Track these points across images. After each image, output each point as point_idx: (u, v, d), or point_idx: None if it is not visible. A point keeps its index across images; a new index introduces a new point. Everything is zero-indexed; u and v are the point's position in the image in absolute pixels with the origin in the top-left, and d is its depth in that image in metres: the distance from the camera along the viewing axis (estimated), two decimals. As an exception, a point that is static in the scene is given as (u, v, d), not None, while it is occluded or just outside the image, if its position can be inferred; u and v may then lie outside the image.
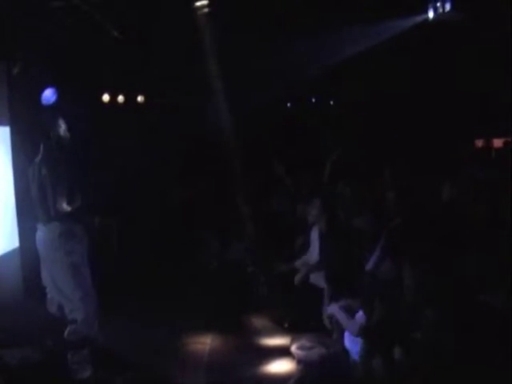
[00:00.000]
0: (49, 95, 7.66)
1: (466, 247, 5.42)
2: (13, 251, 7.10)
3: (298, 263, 7.37)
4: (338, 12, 9.25)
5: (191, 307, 7.57)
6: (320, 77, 11.99)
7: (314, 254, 7.09)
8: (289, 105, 14.70)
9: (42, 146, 5.49)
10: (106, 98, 9.62)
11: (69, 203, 5.26)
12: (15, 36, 6.75)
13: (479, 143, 12.21)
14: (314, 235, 7.15)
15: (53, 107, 7.23)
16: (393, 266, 5.53)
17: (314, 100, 14.93)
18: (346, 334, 5.68)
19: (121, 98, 9.90)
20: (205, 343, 6.74)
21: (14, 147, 7.17)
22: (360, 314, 5.30)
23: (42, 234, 5.49)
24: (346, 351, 5.57)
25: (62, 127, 5.54)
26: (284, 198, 9.14)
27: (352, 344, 5.50)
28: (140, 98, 10.39)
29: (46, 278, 5.57)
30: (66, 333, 5.47)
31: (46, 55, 7.40)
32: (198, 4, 8.06)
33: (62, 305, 5.51)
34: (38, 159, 5.48)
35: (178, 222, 9.87)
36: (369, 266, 5.65)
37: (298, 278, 6.99)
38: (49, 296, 5.67)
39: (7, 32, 6.56)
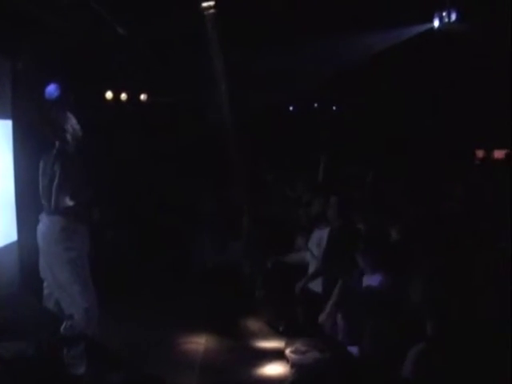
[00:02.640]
0: (52, 91, 7.68)
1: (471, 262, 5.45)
2: (10, 245, 7.09)
3: (292, 256, 7.39)
4: (345, 19, 9.26)
5: (187, 307, 7.56)
6: (324, 83, 12.01)
7: (314, 256, 7.09)
8: (291, 108, 14.71)
9: (57, 142, 5.49)
10: (109, 95, 9.62)
11: (73, 199, 5.28)
12: (19, 31, 6.75)
13: (480, 154, 12.22)
14: (316, 237, 7.15)
15: (63, 103, 7.25)
16: (388, 280, 5.56)
17: (316, 105, 14.95)
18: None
19: (124, 96, 9.89)
20: (199, 344, 6.75)
21: (15, 141, 7.16)
22: None
23: (43, 226, 5.49)
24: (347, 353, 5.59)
25: (74, 122, 5.56)
26: (281, 200, 9.17)
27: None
28: (143, 97, 10.39)
29: (45, 271, 5.57)
30: (61, 328, 5.47)
31: (50, 51, 7.40)
32: (205, 4, 8.07)
33: (60, 300, 5.52)
34: (51, 153, 5.49)
35: (174, 222, 9.86)
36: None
37: (298, 287, 6.99)
38: (46, 291, 5.68)
39: (11, 27, 6.56)
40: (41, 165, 5.54)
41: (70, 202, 5.31)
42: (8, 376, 5.16)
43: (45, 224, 5.48)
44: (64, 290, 5.43)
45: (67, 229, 5.40)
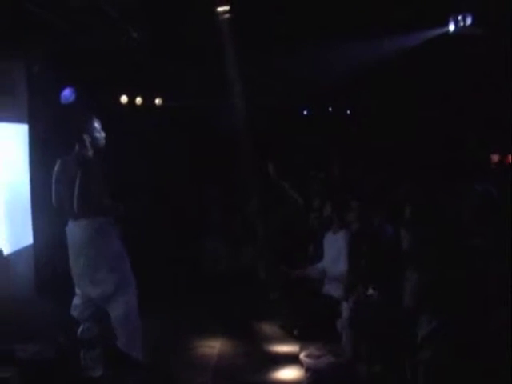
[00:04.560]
0: (67, 95, 7.73)
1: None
2: (26, 248, 7.13)
3: (310, 270, 7.37)
4: (360, 23, 9.24)
5: (202, 311, 7.58)
6: (338, 86, 11.99)
7: (329, 261, 7.07)
8: (305, 112, 14.68)
9: (76, 146, 5.52)
10: (124, 99, 9.65)
11: (96, 202, 5.34)
12: (34, 35, 6.79)
13: (495, 158, 12.14)
14: (329, 241, 7.14)
15: (82, 107, 7.29)
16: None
17: (330, 109, 14.92)
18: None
19: (139, 100, 9.93)
20: (214, 347, 6.75)
21: (31, 145, 7.21)
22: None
23: (73, 233, 5.48)
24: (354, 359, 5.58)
25: (97, 128, 5.58)
26: (292, 204, 9.15)
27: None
28: (158, 101, 10.41)
29: (80, 275, 5.54)
30: (79, 331, 5.50)
31: (65, 55, 7.45)
32: (220, 9, 8.09)
33: (90, 307, 5.53)
34: (71, 157, 5.51)
35: (188, 227, 9.86)
36: None
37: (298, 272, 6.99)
38: (77, 301, 5.66)
39: (26, 32, 6.60)
40: (57, 168, 5.55)
41: (93, 206, 5.34)
42: (25, 378, 5.19)
43: (76, 229, 5.47)
44: (103, 290, 5.44)
45: (101, 228, 5.43)
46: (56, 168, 5.55)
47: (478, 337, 4.37)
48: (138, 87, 9.83)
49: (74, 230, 5.47)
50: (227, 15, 8.17)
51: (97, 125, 5.57)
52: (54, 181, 5.56)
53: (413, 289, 5.29)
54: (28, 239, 7.16)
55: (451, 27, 9.46)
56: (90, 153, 5.52)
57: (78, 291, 5.60)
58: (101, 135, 5.59)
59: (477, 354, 4.27)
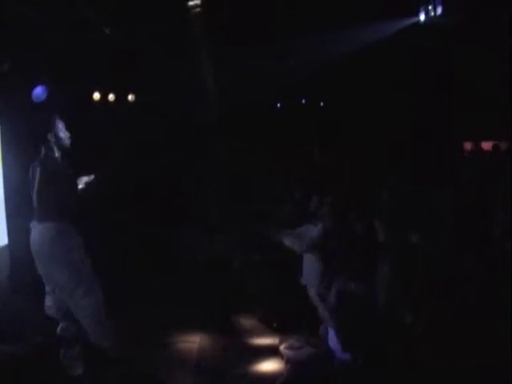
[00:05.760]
0: (39, 93, 7.64)
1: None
2: (1, 248, 7.07)
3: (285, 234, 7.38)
4: (331, 14, 9.27)
5: (180, 305, 7.56)
6: (310, 78, 12.02)
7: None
8: (279, 105, 14.69)
9: (42, 147, 5.47)
10: (96, 96, 9.57)
11: (56, 205, 5.28)
12: (4, 33, 6.70)
13: (468, 146, 12.26)
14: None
15: (49, 106, 7.21)
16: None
17: (304, 101, 14.94)
18: (330, 334, 5.73)
19: (111, 97, 9.85)
20: (194, 342, 6.75)
21: (3, 146, 7.12)
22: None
23: (36, 233, 5.43)
24: (331, 351, 5.61)
25: (61, 128, 5.52)
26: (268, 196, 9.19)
27: (336, 344, 5.54)
28: (131, 97, 10.34)
29: (46, 278, 5.49)
30: (58, 329, 5.46)
31: (36, 53, 7.36)
32: (191, 3, 8.06)
33: (62, 305, 5.49)
34: (38, 159, 5.46)
35: (163, 219, 9.83)
36: None
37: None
38: (48, 302, 5.59)
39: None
40: (30, 172, 5.51)
41: (54, 208, 5.29)
42: (4, 378, 5.16)
43: (37, 231, 5.42)
44: (67, 294, 5.40)
45: (61, 233, 5.36)
46: (30, 173, 5.52)
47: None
48: (111, 83, 9.75)
49: (34, 232, 5.44)
50: (198, 9, 8.15)
51: (61, 125, 5.52)
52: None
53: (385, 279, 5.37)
54: (3, 239, 7.10)
55: (422, 17, 9.55)
56: (57, 153, 5.47)
57: (47, 289, 5.58)
58: (65, 135, 5.52)
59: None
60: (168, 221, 9.71)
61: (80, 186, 5.60)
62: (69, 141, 5.54)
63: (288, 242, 7.12)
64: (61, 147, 5.48)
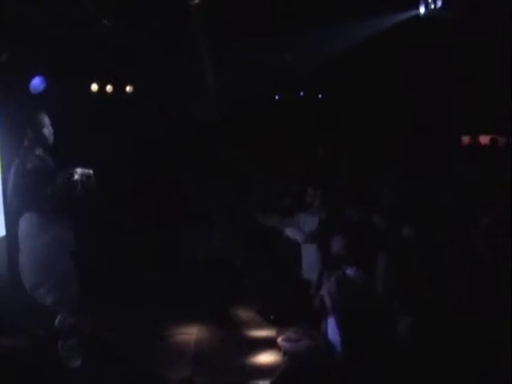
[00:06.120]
0: (37, 84, 7.62)
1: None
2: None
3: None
4: (330, 6, 9.24)
5: (178, 298, 7.56)
6: (309, 71, 11.99)
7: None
8: (277, 97, 14.65)
9: (25, 141, 5.47)
10: (94, 87, 9.53)
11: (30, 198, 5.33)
12: (2, 24, 6.67)
13: (465, 140, 12.26)
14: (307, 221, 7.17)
15: (37, 101, 7.19)
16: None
17: (302, 93, 14.90)
18: (329, 326, 5.72)
19: (109, 88, 9.81)
20: (191, 334, 6.77)
21: (2, 137, 7.10)
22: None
23: (23, 223, 5.51)
24: (330, 343, 5.60)
25: (45, 124, 5.50)
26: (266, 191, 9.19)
27: (335, 335, 5.53)
28: (129, 88, 10.29)
29: (28, 266, 5.55)
30: (56, 321, 5.47)
31: (33, 44, 7.33)
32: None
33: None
34: (21, 152, 5.46)
35: (160, 214, 9.81)
36: None
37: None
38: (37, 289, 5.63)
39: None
40: (14, 165, 5.52)
41: (28, 202, 5.34)
42: (3, 371, 5.16)
43: (23, 221, 5.51)
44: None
45: (35, 226, 5.41)
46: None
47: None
48: (109, 75, 9.71)
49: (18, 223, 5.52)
50: (197, 1, 8.12)
51: (45, 120, 5.50)
52: None
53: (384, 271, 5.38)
54: (1, 231, 7.09)
55: (422, 10, 9.52)
56: (37, 148, 5.46)
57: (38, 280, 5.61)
58: (49, 131, 5.52)
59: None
60: (168, 218, 9.69)
61: (76, 177, 5.59)
62: (52, 137, 5.54)
63: (290, 232, 7.17)
64: (42, 143, 5.47)
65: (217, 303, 7.55)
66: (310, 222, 7.08)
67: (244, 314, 7.45)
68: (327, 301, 5.71)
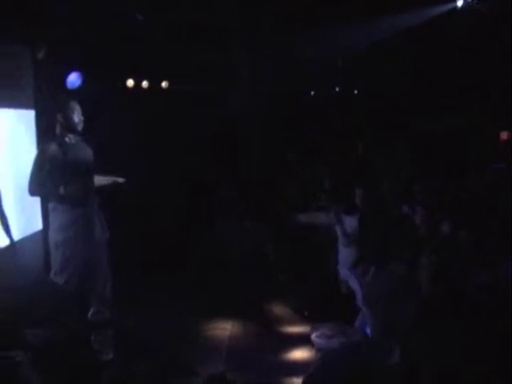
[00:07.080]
0: (74, 79, 7.70)
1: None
2: (35, 234, 7.14)
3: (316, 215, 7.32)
4: (365, 0, 9.17)
5: (212, 293, 7.57)
6: (345, 65, 11.92)
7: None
8: (312, 93, 14.59)
9: (57, 128, 5.50)
10: (130, 83, 9.60)
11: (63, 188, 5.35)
12: (40, 20, 6.75)
13: (504, 136, 12.05)
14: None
15: (72, 91, 7.25)
16: None
17: (337, 89, 14.82)
18: (365, 323, 5.67)
19: (145, 84, 9.87)
20: (225, 329, 6.78)
21: (38, 131, 7.18)
22: None
23: (53, 215, 5.55)
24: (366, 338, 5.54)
25: (76, 111, 5.52)
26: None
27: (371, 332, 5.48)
28: (164, 84, 10.34)
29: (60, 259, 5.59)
30: (89, 314, 5.51)
31: (71, 39, 7.40)
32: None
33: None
34: (52, 143, 5.49)
35: (194, 209, 9.84)
36: None
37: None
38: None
39: (30, 17, 6.56)
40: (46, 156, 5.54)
41: (59, 192, 5.36)
42: (36, 362, 5.21)
43: (52, 214, 5.55)
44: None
45: (63, 217, 5.44)
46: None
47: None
48: (145, 70, 9.76)
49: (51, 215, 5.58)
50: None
51: (77, 107, 5.51)
52: None
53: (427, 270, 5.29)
54: (38, 224, 7.17)
55: (459, 3, 9.40)
56: (67, 136, 5.48)
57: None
58: (79, 118, 5.51)
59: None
60: (203, 213, 9.72)
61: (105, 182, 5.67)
62: (82, 125, 5.53)
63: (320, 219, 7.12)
64: (71, 130, 5.49)
65: (251, 299, 7.55)
66: (349, 221, 6.99)
67: (278, 309, 7.44)
68: (363, 297, 5.66)
